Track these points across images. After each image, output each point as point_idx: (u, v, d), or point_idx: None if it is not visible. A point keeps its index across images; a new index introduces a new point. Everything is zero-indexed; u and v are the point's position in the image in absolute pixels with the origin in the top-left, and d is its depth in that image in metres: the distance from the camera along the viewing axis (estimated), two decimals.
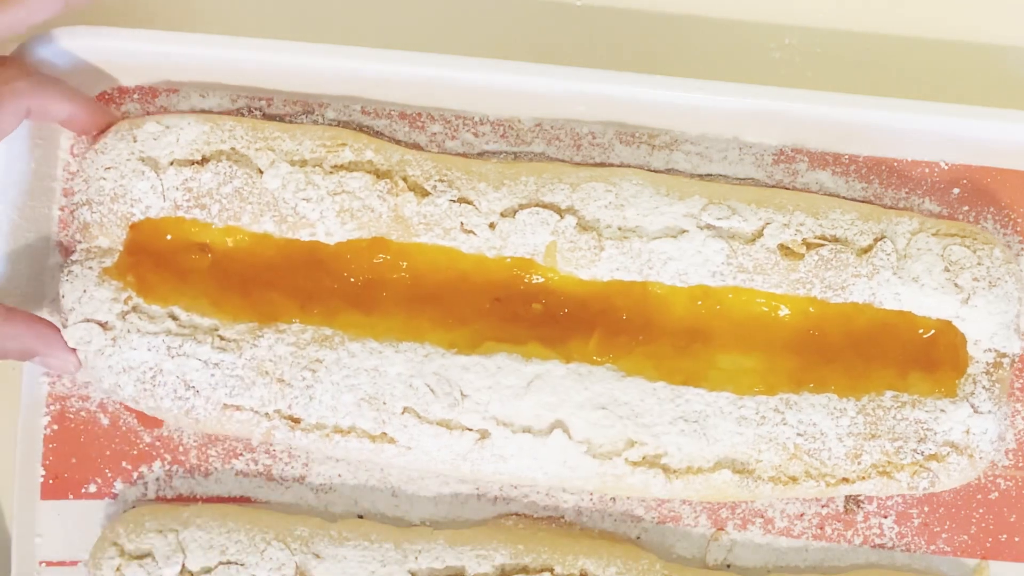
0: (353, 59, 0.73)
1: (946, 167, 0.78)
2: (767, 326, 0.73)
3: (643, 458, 0.72)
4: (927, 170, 0.78)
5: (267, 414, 0.72)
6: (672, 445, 0.72)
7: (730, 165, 0.78)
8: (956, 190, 0.78)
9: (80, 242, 0.74)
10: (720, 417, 0.72)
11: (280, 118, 0.77)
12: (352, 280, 0.73)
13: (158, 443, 0.77)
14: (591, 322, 0.73)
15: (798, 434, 0.72)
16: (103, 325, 0.72)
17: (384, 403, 0.72)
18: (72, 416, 0.77)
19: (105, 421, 0.77)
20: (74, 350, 0.72)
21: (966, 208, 0.78)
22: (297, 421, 0.72)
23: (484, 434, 0.72)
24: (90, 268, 0.73)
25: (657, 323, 0.73)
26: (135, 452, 0.77)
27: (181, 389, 0.72)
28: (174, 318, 0.72)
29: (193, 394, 0.72)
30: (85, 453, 0.77)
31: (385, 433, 0.72)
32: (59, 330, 0.72)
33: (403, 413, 0.72)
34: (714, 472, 0.72)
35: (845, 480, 0.72)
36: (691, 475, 0.72)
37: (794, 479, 0.72)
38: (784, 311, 0.73)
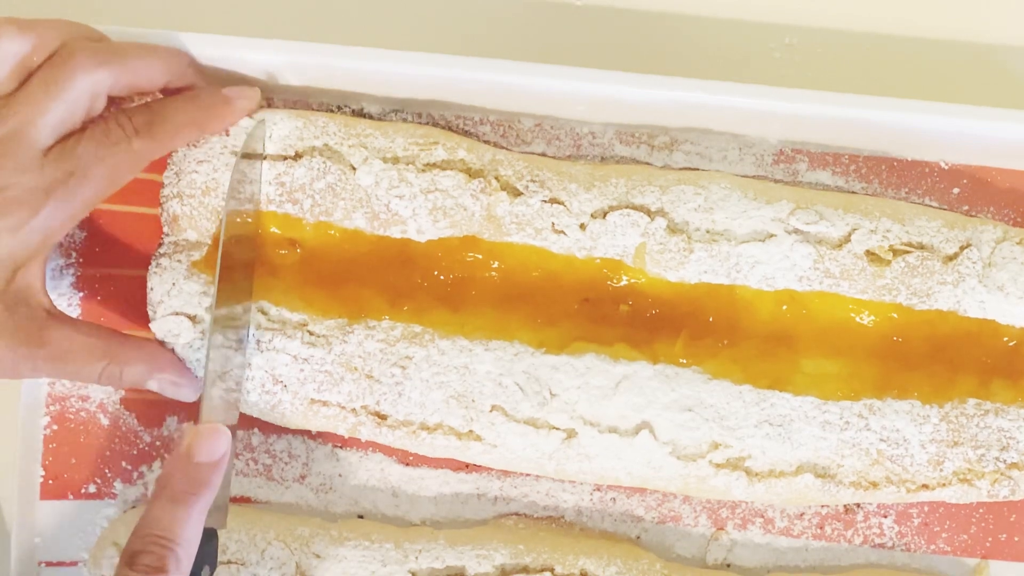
0: (349, 58, 0.73)
1: (946, 167, 0.78)
2: (851, 331, 0.74)
3: (727, 460, 0.73)
4: (927, 170, 0.78)
5: (354, 410, 0.72)
6: (756, 448, 0.72)
7: (730, 165, 0.78)
8: (956, 190, 0.78)
9: (168, 235, 0.73)
10: (804, 421, 0.72)
11: None
12: (442, 278, 0.73)
13: (158, 443, 0.77)
14: (678, 324, 0.73)
15: (881, 440, 0.72)
16: (192, 318, 0.72)
17: (473, 401, 0.72)
18: (72, 416, 0.77)
19: (105, 421, 0.77)
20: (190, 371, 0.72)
21: (966, 207, 0.78)
22: (384, 417, 0.73)
23: (571, 433, 0.72)
24: (179, 261, 0.72)
25: (743, 326, 0.73)
26: (135, 452, 0.77)
27: (269, 384, 0.72)
28: (263, 312, 0.72)
29: (281, 389, 0.72)
30: (85, 453, 0.77)
31: (472, 431, 0.72)
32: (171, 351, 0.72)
33: (491, 411, 0.72)
34: (796, 476, 0.73)
35: (925, 487, 0.73)
36: (773, 478, 0.73)
37: (875, 484, 0.73)
38: (868, 317, 0.74)
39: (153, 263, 0.73)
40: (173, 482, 0.65)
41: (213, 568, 0.68)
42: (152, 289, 0.72)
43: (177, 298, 0.72)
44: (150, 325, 0.72)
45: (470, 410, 0.72)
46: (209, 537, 0.67)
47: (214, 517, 0.67)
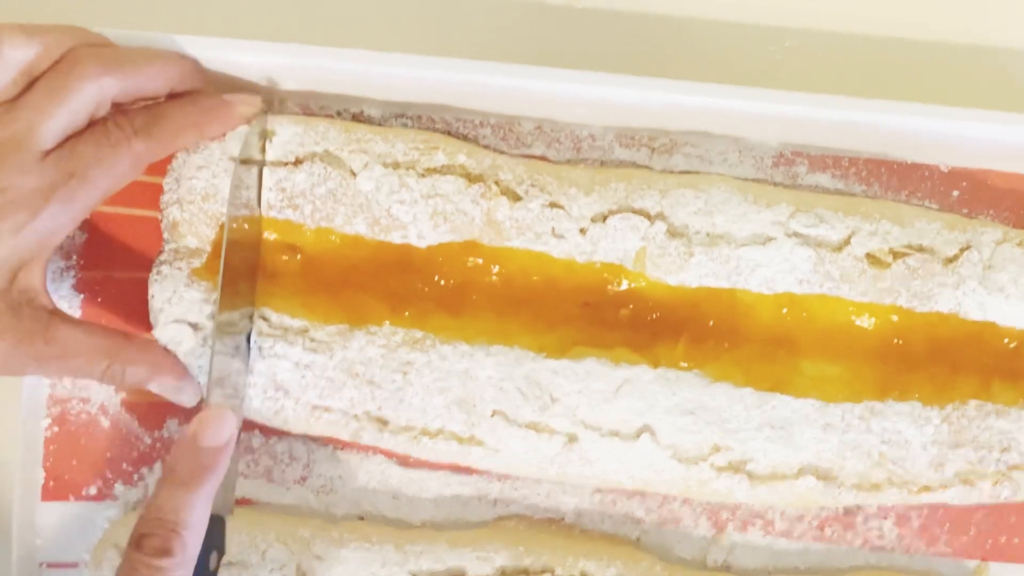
0: (350, 61, 0.73)
1: (946, 169, 0.78)
2: (852, 334, 0.74)
3: (728, 463, 0.73)
4: (927, 172, 0.78)
5: (356, 415, 0.73)
6: (758, 451, 0.72)
7: (730, 168, 0.78)
8: (956, 192, 0.78)
9: (168, 241, 0.73)
10: (806, 424, 0.72)
11: None
12: (443, 283, 0.73)
13: (159, 444, 0.77)
14: (678, 328, 0.73)
15: (882, 442, 0.72)
16: (194, 326, 0.72)
17: (474, 406, 0.72)
18: (73, 418, 0.77)
19: (105, 423, 0.77)
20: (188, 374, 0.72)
21: (966, 210, 0.78)
22: (385, 423, 0.73)
23: (572, 438, 0.72)
24: (179, 269, 0.72)
25: (744, 329, 0.73)
26: (136, 454, 0.77)
27: (271, 390, 0.72)
28: (264, 319, 0.72)
29: (283, 395, 0.72)
30: (86, 455, 0.77)
31: (474, 436, 0.73)
32: (174, 357, 0.72)
33: (493, 416, 0.72)
34: (798, 479, 0.73)
35: (927, 488, 0.73)
36: (775, 481, 0.73)
37: (877, 486, 0.73)
38: (869, 319, 0.74)
39: (154, 270, 0.73)
40: (179, 467, 0.65)
41: (221, 555, 0.68)
42: (153, 297, 0.72)
43: (178, 306, 0.72)
44: (152, 333, 0.72)
45: (471, 415, 0.72)
46: (216, 524, 0.67)
47: (221, 504, 0.67)
